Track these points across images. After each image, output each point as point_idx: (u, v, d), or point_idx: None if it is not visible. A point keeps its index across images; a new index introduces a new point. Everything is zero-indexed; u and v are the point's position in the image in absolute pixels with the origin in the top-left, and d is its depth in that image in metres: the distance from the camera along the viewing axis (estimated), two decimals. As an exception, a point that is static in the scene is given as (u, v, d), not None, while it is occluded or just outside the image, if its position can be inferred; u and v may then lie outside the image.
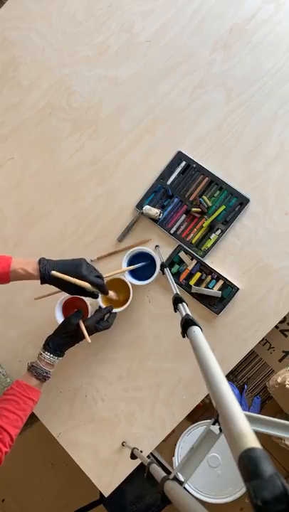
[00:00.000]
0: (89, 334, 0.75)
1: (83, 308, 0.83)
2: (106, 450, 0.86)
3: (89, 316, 0.82)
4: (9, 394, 0.71)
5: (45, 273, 0.68)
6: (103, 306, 0.82)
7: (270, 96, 0.86)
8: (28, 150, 0.97)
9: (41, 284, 0.69)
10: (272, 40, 0.87)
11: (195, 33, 0.90)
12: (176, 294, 0.61)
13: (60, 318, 0.83)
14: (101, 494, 1.18)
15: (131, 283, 0.82)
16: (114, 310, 0.82)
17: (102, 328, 0.78)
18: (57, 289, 0.77)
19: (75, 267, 0.69)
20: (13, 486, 1.63)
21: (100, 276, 0.72)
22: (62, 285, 0.69)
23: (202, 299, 0.84)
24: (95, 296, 0.73)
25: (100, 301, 0.82)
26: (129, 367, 0.87)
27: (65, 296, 0.83)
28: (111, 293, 0.79)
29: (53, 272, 0.66)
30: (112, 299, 0.84)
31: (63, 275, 0.66)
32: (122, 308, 0.81)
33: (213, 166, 0.87)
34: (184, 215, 0.87)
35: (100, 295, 0.83)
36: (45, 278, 0.69)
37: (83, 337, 0.75)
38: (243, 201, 0.84)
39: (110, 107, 0.94)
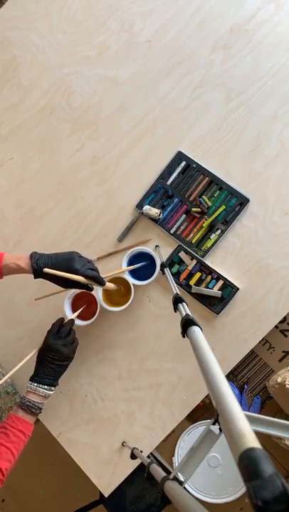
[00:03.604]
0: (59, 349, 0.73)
1: (92, 301, 0.84)
2: (106, 450, 0.86)
3: (97, 311, 0.82)
4: (0, 427, 0.71)
5: (37, 268, 0.67)
6: (104, 303, 0.82)
7: (270, 96, 0.86)
8: (28, 150, 0.97)
9: (34, 278, 0.69)
10: (272, 40, 0.87)
11: (195, 33, 0.90)
12: (176, 294, 0.61)
13: (69, 313, 0.83)
14: (101, 494, 1.18)
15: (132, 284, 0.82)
16: (115, 309, 0.82)
17: (62, 344, 0.75)
18: (57, 290, 0.77)
19: (67, 261, 0.68)
20: (13, 486, 1.63)
21: (93, 269, 0.71)
22: (56, 279, 0.68)
23: (202, 299, 0.84)
24: (90, 289, 0.72)
25: (101, 297, 0.83)
26: (129, 367, 0.87)
27: (74, 290, 0.83)
28: (110, 284, 0.79)
29: (45, 270, 0.65)
30: (112, 291, 0.84)
31: (56, 271, 0.65)
32: (122, 308, 0.81)
33: (213, 166, 0.87)
34: (184, 215, 0.87)
35: (100, 291, 0.83)
36: (38, 272, 0.67)
37: (62, 355, 0.73)
38: (243, 201, 0.84)
39: (110, 107, 0.94)
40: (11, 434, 0.69)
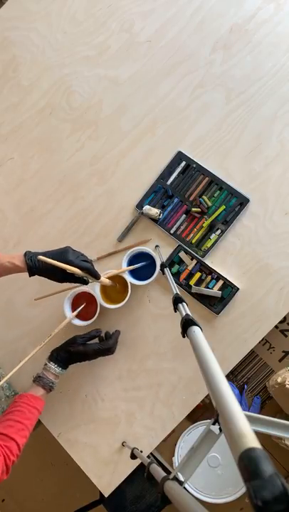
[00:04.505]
0: (91, 358, 0.79)
1: (92, 301, 0.84)
2: (106, 450, 0.86)
3: (97, 312, 0.83)
4: (13, 407, 0.72)
5: (32, 264, 0.69)
6: (102, 302, 0.83)
7: (270, 96, 0.86)
8: (28, 150, 0.97)
9: (30, 276, 0.70)
10: (272, 40, 0.87)
11: (195, 33, 0.90)
12: (176, 294, 0.61)
13: (69, 313, 0.83)
14: (101, 494, 1.18)
15: (131, 283, 0.82)
16: (113, 306, 0.82)
17: (104, 348, 0.79)
18: (57, 290, 0.77)
19: (61, 254, 0.70)
20: (13, 486, 1.63)
21: (87, 261, 0.72)
22: (50, 273, 0.69)
23: (202, 299, 0.84)
24: (86, 282, 0.73)
25: (100, 296, 0.83)
26: (129, 367, 0.87)
27: (74, 290, 0.84)
28: (106, 280, 0.79)
29: (40, 257, 0.66)
30: (109, 288, 0.84)
31: (50, 260, 0.66)
32: (120, 305, 0.81)
33: (213, 166, 0.87)
34: (184, 215, 0.87)
35: (98, 290, 0.83)
36: (33, 269, 0.69)
37: (89, 358, 0.79)
38: (243, 201, 0.84)
39: (110, 107, 0.94)
40: (26, 412, 0.71)
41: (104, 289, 0.86)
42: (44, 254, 0.70)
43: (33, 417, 0.72)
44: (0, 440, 0.66)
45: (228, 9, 0.89)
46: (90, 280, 0.74)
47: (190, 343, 0.44)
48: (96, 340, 0.82)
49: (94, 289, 0.84)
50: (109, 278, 0.82)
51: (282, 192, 0.84)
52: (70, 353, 0.77)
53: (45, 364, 0.78)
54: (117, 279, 0.84)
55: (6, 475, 0.65)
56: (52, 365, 0.77)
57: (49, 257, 0.68)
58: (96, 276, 0.73)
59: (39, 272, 0.70)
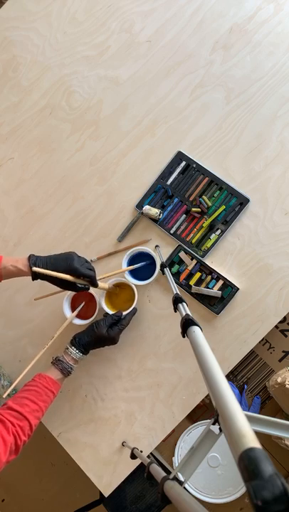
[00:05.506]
0: (116, 339, 0.79)
1: (92, 301, 0.84)
2: (106, 450, 0.86)
3: (96, 310, 0.83)
4: (31, 385, 0.71)
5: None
6: (105, 307, 0.83)
7: (270, 96, 0.86)
8: (28, 150, 0.97)
9: (32, 280, 0.70)
10: (272, 40, 0.87)
11: (195, 33, 0.90)
12: (176, 294, 0.61)
13: (68, 313, 0.83)
14: (101, 494, 1.19)
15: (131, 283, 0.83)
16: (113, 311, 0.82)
17: (124, 327, 0.80)
18: (57, 289, 0.77)
19: (66, 260, 0.70)
20: (13, 486, 1.63)
21: (91, 269, 0.73)
22: (52, 279, 0.70)
23: (202, 299, 0.84)
24: (86, 288, 0.74)
25: (104, 303, 0.83)
26: (129, 367, 0.87)
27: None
28: (104, 285, 0.79)
29: (34, 268, 0.66)
30: (114, 295, 0.84)
31: (45, 270, 0.66)
32: (126, 312, 0.82)
33: (213, 166, 0.87)
34: (184, 215, 0.87)
35: (103, 297, 0.84)
36: (36, 274, 0.69)
37: (111, 343, 0.78)
38: (243, 201, 0.84)
39: (110, 107, 0.94)
40: (43, 393, 0.70)
41: (109, 295, 0.86)
42: (48, 258, 0.70)
43: (49, 400, 0.71)
44: (13, 418, 0.64)
45: (228, 9, 0.89)
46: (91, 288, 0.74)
47: (190, 343, 0.44)
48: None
49: (99, 301, 0.84)
50: (117, 285, 0.82)
51: (282, 192, 0.84)
52: (95, 336, 0.76)
53: (66, 348, 0.77)
54: (125, 288, 0.84)
55: (15, 455, 0.63)
56: (73, 350, 0.76)
57: (53, 264, 0.68)
58: (95, 285, 0.73)
59: (42, 277, 0.70)
